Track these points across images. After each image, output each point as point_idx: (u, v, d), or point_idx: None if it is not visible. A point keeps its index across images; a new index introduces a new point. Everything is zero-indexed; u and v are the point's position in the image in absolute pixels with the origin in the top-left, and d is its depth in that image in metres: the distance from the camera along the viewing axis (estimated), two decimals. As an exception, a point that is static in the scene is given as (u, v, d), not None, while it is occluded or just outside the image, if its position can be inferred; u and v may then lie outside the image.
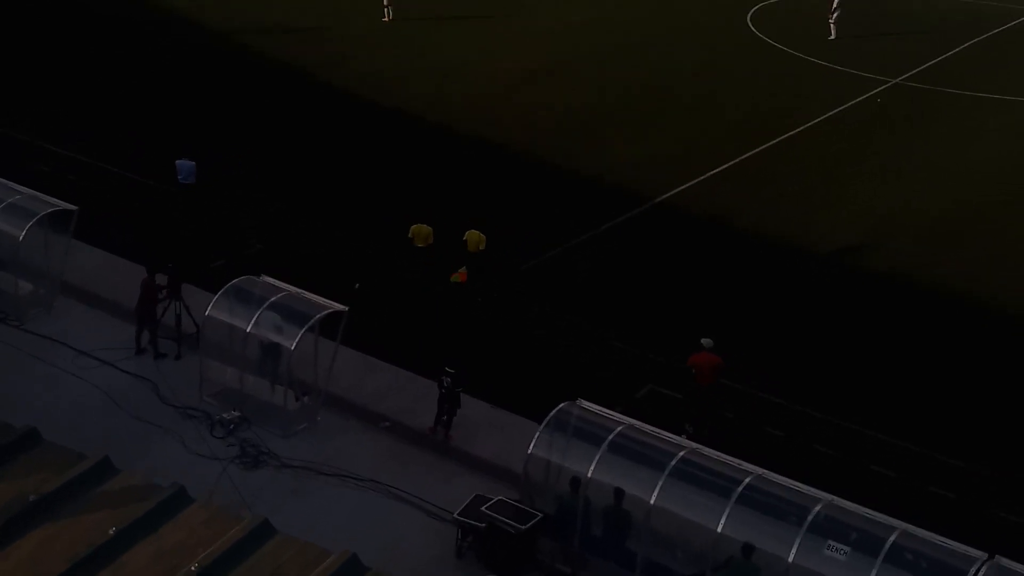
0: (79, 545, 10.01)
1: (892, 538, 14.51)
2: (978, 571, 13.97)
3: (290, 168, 29.38)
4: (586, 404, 16.92)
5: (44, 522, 10.31)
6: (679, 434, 17.42)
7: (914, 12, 48.39)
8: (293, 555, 10.30)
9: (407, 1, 43.20)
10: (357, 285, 22.95)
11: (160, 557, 10.06)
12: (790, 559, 14.70)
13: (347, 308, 19.03)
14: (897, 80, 38.99)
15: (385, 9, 42.12)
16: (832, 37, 42.92)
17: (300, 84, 35.50)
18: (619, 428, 16.41)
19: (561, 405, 16.76)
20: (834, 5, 43.06)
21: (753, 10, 47.04)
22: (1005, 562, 14.18)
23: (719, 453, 16.14)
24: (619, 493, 16.07)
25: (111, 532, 10.14)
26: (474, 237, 23.74)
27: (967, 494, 18.55)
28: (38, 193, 22.21)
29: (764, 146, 32.56)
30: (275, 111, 33.31)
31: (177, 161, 26.05)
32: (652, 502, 15.57)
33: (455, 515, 16.50)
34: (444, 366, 18.79)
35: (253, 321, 18.82)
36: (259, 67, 36.81)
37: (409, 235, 23.84)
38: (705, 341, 19.57)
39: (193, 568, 9.86)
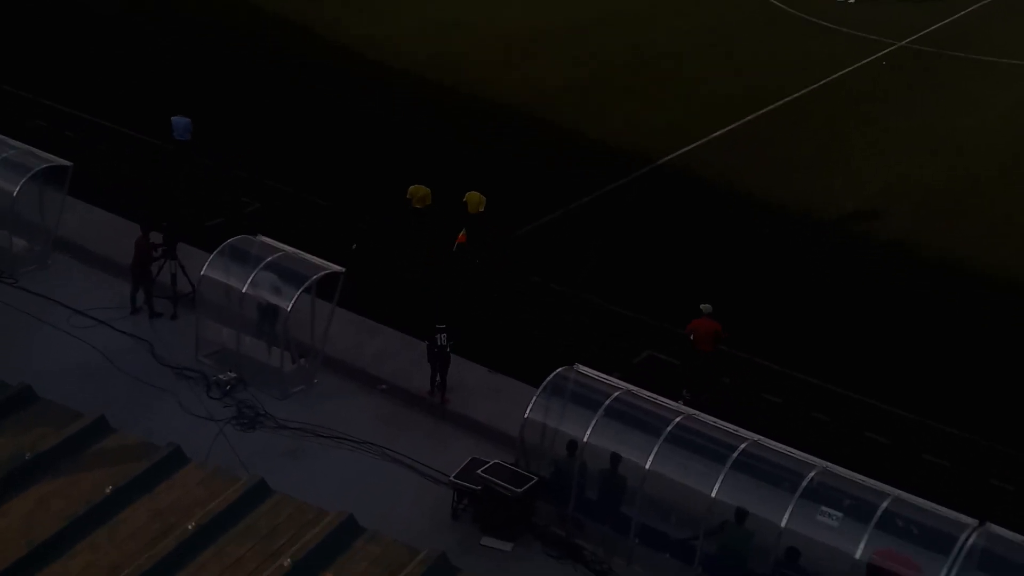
0: (76, 503, 9.99)
1: (884, 504, 14.61)
2: (969, 537, 14.06)
3: (290, 128, 29.14)
4: (583, 369, 16.91)
5: (40, 480, 10.28)
6: (676, 400, 17.44)
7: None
8: (290, 514, 10.29)
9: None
10: (355, 246, 22.86)
11: (156, 516, 10.05)
12: (783, 524, 14.78)
13: (344, 269, 18.94)
14: (903, 43, 38.67)
15: None
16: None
17: (301, 46, 35.12)
18: (616, 393, 16.41)
19: (558, 370, 16.76)
20: None
21: (757, -27, 46.54)
22: (996, 529, 14.27)
23: (715, 419, 16.17)
24: (615, 458, 16.10)
25: (108, 491, 10.12)
26: (474, 198, 23.60)
27: (960, 462, 18.62)
28: (33, 148, 22.01)
29: (766, 109, 32.35)
30: (276, 72, 32.98)
31: (172, 118, 25.80)
32: (648, 467, 15.60)
33: (451, 478, 16.53)
34: (435, 324, 18.73)
35: (249, 281, 18.73)
36: (261, 28, 36.40)
37: (407, 196, 23.72)
38: (704, 307, 19.55)
39: (190, 527, 9.85)
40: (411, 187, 23.74)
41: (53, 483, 10.25)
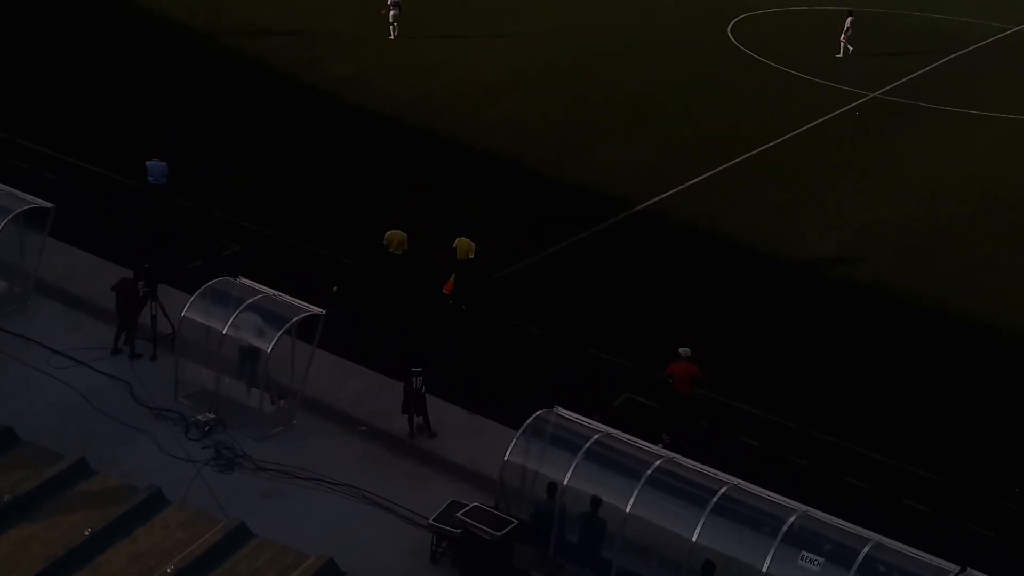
0: (55, 546, 9.95)
1: (865, 549, 14.60)
2: (949, 583, 14.09)
3: (271, 170, 29.25)
4: (563, 412, 16.93)
5: (20, 522, 10.23)
6: (656, 443, 17.46)
7: (895, 28, 48.83)
8: (271, 558, 10.28)
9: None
10: (335, 288, 22.87)
11: (136, 559, 10.01)
12: (764, 569, 14.75)
13: (324, 311, 18.96)
14: (875, 94, 39.32)
15: (390, 27, 41.85)
16: (839, 55, 43.18)
17: (284, 87, 35.36)
18: (596, 436, 16.42)
19: (538, 412, 16.76)
20: (846, 25, 43.20)
21: (734, 21, 47.33)
22: (976, 575, 14.30)
23: (695, 463, 16.19)
24: (595, 501, 16.08)
25: (87, 533, 10.07)
26: (464, 245, 23.59)
27: (940, 507, 18.70)
28: (14, 190, 21.98)
29: (743, 157, 32.74)
30: (258, 113, 33.15)
31: (147, 162, 25.71)
32: (628, 510, 15.59)
33: (430, 521, 16.45)
34: (410, 366, 18.70)
35: (230, 323, 18.72)
36: (244, 69, 36.64)
37: (384, 241, 23.75)
38: (683, 350, 19.65)
39: (169, 570, 9.81)
40: (388, 233, 23.77)
41: (32, 526, 10.20)
